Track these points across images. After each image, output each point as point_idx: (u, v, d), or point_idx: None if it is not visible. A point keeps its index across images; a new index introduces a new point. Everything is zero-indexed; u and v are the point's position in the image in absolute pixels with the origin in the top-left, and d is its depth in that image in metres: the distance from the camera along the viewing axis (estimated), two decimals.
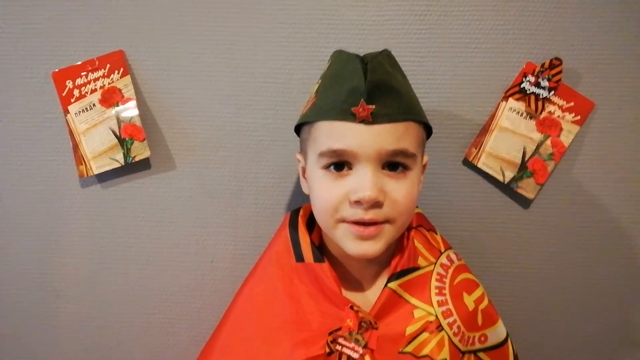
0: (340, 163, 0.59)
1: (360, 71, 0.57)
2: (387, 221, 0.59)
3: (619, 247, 0.81)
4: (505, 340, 0.68)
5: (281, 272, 0.66)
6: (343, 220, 0.59)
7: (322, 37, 0.78)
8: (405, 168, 0.60)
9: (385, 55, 0.61)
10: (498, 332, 0.68)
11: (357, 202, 0.57)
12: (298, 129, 0.67)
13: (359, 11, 0.77)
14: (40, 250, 0.83)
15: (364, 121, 0.57)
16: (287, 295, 0.64)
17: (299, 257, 0.65)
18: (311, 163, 0.62)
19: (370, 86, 0.57)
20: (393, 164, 0.59)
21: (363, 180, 0.57)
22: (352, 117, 0.57)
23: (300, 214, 0.68)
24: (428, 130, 0.65)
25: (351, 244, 0.59)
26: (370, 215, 0.57)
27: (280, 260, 0.67)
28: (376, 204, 0.57)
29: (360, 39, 0.78)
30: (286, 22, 0.78)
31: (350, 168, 0.59)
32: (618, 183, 0.80)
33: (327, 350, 0.59)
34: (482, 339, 0.66)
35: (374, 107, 0.57)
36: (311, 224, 0.69)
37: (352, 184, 0.58)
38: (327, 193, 0.59)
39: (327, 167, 0.60)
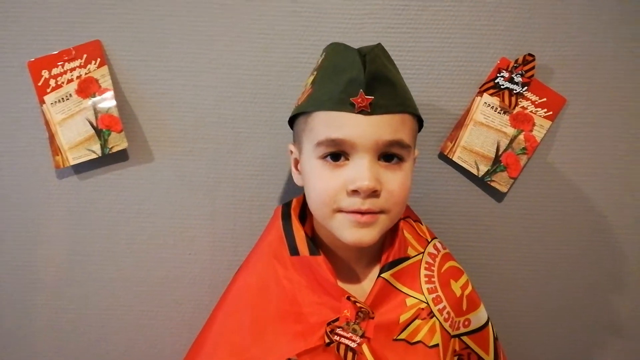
0: (337, 153, 0.59)
1: (359, 62, 0.58)
2: (382, 211, 0.60)
3: (589, 239, 0.84)
4: (486, 324, 0.70)
5: (275, 264, 0.66)
6: (340, 210, 0.60)
7: (301, 30, 0.78)
8: (400, 159, 0.61)
9: (381, 48, 0.62)
10: (480, 316, 0.70)
11: (355, 192, 0.58)
12: (292, 121, 0.67)
13: (337, 4, 0.78)
14: (16, 242, 0.82)
15: (362, 111, 0.58)
16: (282, 287, 0.64)
17: (294, 251, 0.65)
18: (307, 153, 0.62)
19: (369, 77, 0.58)
20: (388, 155, 0.60)
21: (361, 170, 0.58)
22: (350, 108, 0.58)
23: (292, 206, 0.69)
24: (419, 124, 0.66)
25: (347, 232, 0.60)
26: (367, 205, 0.58)
27: (273, 253, 0.67)
28: (373, 194, 0.58)
29: (338, 31, 0.78)
30: (266, 15, 0.78)
31: (347, 158, 0.59)
32: (588, 177, 0.82)
33: (326, 340, 0.59)
34: (466, 323, 0.68)
35: (372, 97, 0.58)
36: (302, 215, 0.69)
37: (350, 174, 0.58)
38: (324, 183, 0.60)
39: (324, 157, 0.60)
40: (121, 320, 0.84)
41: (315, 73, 0.64)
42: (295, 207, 0.68)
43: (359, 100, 0.58)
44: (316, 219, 0.66)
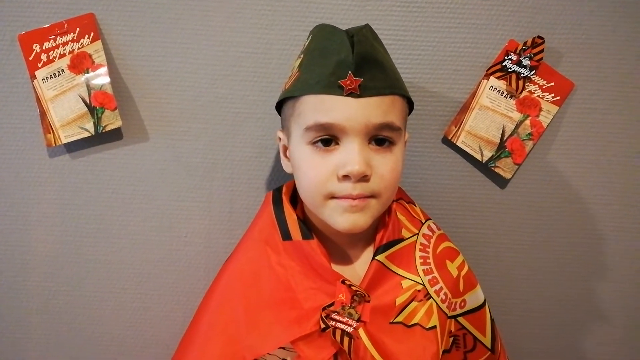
0: (327, 138, 0.58)
1: (347, 43, 0.57)
2: (372, 196, 0.59)
3: (593, 227, 0.82)
4: (483, 305, 0.70)
5: (268, 250, 0.65)
6: (332, 197, 0.59)
7: (303, 6, 0.76)
8: (391, 143, 0.60)
9: (369, 29, 0.61)
10: (476, 296, 0.69)
11: (345, 177, 0.57)
12: (279, 106, 0.66)
13: None
14: (5, 222, 0.81)
15: (351, 94, 0.57)
16: (276, 273, 0.64)
17: (286, 236, 0.64)
18: (296, 139, 0.61)
19: (358, 58, 0.56)
20: (379, 139, 0.59)
21: (351, 155, 0.57)
22: (339, 90, 0.57)
23: (283, 191, 0.68)
24: (410, 107, 0.65)
25: (340, 218, 0.59)
26: (358, 190, 0.57)
27: (265, 238, 0.66)
28: (363, 178, 0.57)
29: (342, 8, 0.76)
30: None
31: (337, 143, 0.58)
32: (594, 164, 0.80)
33: (322, 326, 0.59)
34: (462, 304, 0.68)
35: (361, 79, 0.56)
36: (293, 201, 0.68)
37: (340, 159, 0.57)
38: (314, 169, 0.59)
39: (313, 142, 0.59)
40: (115, 303, 0.83)
41: (302, 56, 0.63)
42: (286, 192, 0.68)
43: (347, 83, 0.56)
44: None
